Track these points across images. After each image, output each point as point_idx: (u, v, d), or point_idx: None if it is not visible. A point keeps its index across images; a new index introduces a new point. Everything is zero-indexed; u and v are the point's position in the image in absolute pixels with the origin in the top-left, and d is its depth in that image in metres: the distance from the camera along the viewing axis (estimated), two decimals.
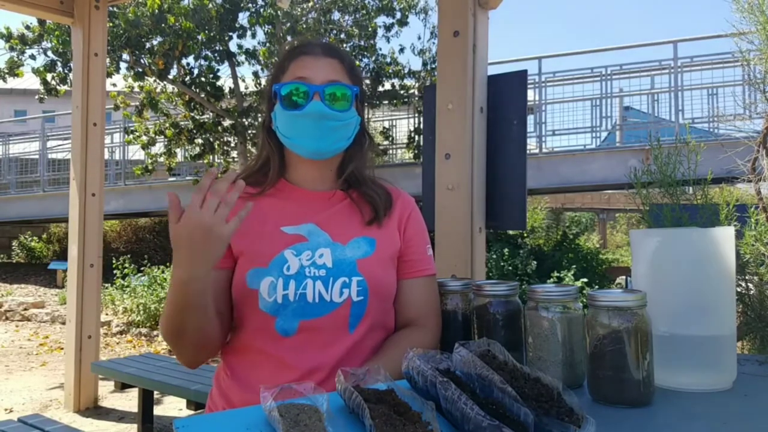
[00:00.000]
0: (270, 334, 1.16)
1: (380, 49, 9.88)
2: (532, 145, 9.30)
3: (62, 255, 13.02)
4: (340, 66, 1.23)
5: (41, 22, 8.12)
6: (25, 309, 9.37)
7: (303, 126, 1.19)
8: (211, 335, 1.14)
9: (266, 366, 1.17)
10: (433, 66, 9.56)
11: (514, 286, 1.12)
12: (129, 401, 4.60)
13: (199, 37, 8.62)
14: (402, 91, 9.77)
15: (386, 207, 1.27)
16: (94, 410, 4.38)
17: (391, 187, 1.34)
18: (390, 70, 9.71)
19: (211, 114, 9.61)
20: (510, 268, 9.00)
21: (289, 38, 9.19)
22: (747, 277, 1.53)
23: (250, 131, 9.42)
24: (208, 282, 1.05)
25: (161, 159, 9.84)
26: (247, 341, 1.20)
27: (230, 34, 9.04)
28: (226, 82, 9.56)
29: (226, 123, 9.68)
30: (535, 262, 9.14)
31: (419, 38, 10.03)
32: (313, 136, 1.19)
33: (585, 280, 8.78)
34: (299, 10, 9.18)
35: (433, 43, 9.66)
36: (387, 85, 9.82)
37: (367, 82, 9.47)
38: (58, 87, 8.63)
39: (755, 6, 1.70)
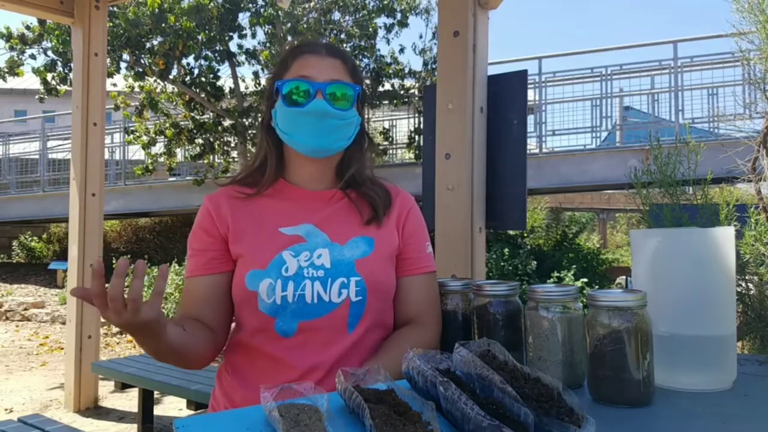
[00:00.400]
0: (270, 334, 1.16)
1: (379, 50, 9.88)
2: (532, 145, 9.30)
3: (62, 255, 13.02)
4: (342, 66, 1.24)
5: (41, 22, 8.12)
6: (26, 309, 9.37)
7: (304, 123, 1.19)
8: (201, 351, 1.16)
9: (266, 365, 1.18)
10: (434, 66, 9.57)
11: (514, 286, 1.12)
12: (129, 401, 4.60)
13: (200, 37, 8.62)
14: (402, 92, 9.77)
15: (385, 206, 1.27)
16: (95, 410, 4.38)
17: (390, 185, 1.34)
18: (390, 71, 9.71)
19: (211, 114, 9.62)
20: (510, 268, 8.99)
21: (289, 38, 9.19)
22: (747, 277, 1.53)
23: (250, 131, 9.42)
24: (166, 338, 1.03)
25: (161, 159, 9.85)
26: (247, 341, 1.20)
27: (230, 34, 9.04)
28: (226, 82, 9.56)
29: (227, 123, 9.68)
30: (535, 262, 9.13)
31: (421, 37, 10.03)
32: (314, 133, 1.19)
33: (585, 280, 8.77)
34: (300, 10, 9.18)
35: (435, 43, 9.66)
36: (387, 86, 9.82)
37: (367, 82, 9.48)
38: (58, 87, 8.63)
39: (755, 5, 1.70)
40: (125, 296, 0.91)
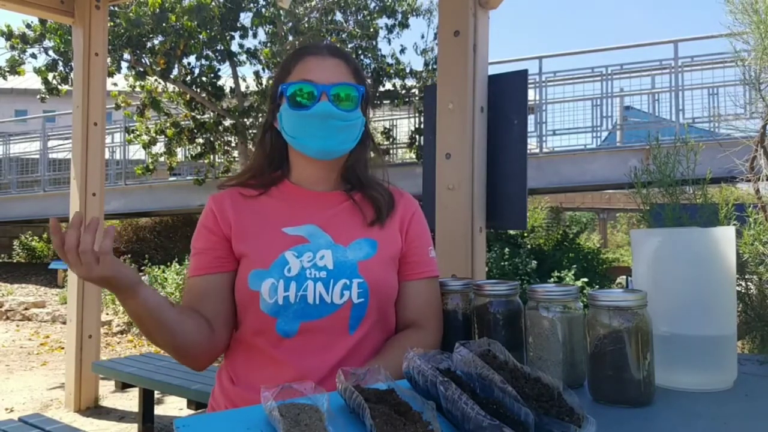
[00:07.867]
0: (271, 335, 1.16)
1: (380, 50, 9.89)
2: (532, 144, 9.29)
3: None
4: (345, 66, 1.24)
5: (42, 22, 8.12)
6: (26, 308, 9.37)
7: (310, 125, 1.19)
8: (195, 339, 1.15)
9: (267, 366, 1.18)
10: (435, 66, 9.57)
11: (514, 286, 1.12)
12: (129, 401, 4.60)
13: (201, 37, 8.62)
14: (403, 91, 9.77)
15: (388, 208, 1.27)
16: (95, 410, 4.38)
17: (393, 187, 1.34)
18: (391, 71, 9.72)
19: (212, 114, 9.62)
20: (510, 267, 8.98)
21: (290, 38, 9.20)
22: (747, 277, 1.53)
23: (250, 131, 9.43)
24: (147, 305, 1.05)
25: (162, 158, 9.86)
26: (248, 341, 1.20)
27: (232, 33, 9.04)
28: (227, 81, 9.57)
29: (227, 123, 9.69)
30: (535, 262, 9.12)
31: (422, 37, 10.05)
32: (320, 135, 1.19)
33: (585, 279, 8.75)
34: (301, 9, 9.18)
35: (437, 43, 9.67)
36: (388, 85, 9.83)
37: (368, 82, 9.47)
38: (59, 86, 8.64)
39: (748, 6, 1.70)
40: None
